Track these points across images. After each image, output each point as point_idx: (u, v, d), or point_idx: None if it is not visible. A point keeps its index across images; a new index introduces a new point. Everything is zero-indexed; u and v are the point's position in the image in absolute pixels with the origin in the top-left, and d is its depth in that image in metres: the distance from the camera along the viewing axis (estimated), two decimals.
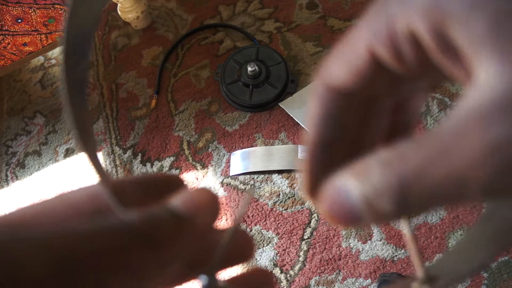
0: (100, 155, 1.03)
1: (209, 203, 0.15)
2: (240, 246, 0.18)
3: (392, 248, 0.81)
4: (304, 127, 0.92)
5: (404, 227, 0.16)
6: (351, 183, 0.13)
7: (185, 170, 0.96)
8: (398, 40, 0.13)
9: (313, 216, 0.86)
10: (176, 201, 0.15)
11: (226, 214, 0.90)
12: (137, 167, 0.99)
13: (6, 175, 1.06)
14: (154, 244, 0.13)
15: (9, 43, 0.94)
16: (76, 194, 0.16)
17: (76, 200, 0.16)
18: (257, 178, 0.91)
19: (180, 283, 0.17)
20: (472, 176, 0.11)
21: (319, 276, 0.82)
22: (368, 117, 0.17)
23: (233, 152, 0.95)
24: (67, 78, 0.14)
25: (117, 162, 1.00)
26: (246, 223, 0.88)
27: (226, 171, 0.94)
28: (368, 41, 0.14)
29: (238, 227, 0.17)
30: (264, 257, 0.85)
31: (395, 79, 0.15)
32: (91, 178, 1.01)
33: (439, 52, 0.12)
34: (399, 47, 0.13)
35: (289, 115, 0.95)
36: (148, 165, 0.98)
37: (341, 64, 0.15)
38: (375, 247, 0.82)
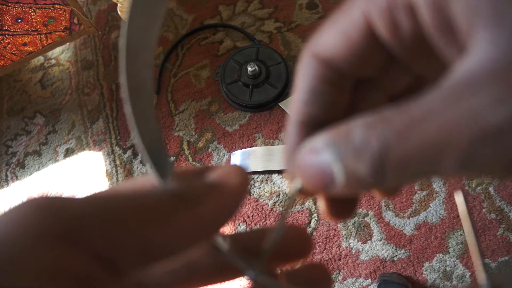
0: (100, 155, 1.03)
1: (237, 172, 0.16)
2: (296, 243, 0.18)
3: (392, 248, 0.81)
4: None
5: (467, 237, 0.16)
6: (329, 145, 0.13)
7: None
8: (397, 11, 0.13)
9: (313, 216, 0.86)
10: (209, 175, 0.16)
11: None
12: (137, 167, 0.99)
13: (6, 175, 1.06)
14: (190, 203, 0.14)
15: (9, 43, 0.94)
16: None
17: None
18: (257, 178, 0.91)
19: (228, 278, 0.18)
20: (452, 143, 0.11)
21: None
22: (358, 104, 0.17)
23: (233, 152, 0.95)
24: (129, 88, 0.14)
25: (117, 162, 1.00)
26: (246, 223, 0.88)
27: None
28: (366, 9, 0.13)
29: (285, 224, 0.17)
30: None
31: (387, 63, 0.15)
32: (90, 178, 1.01)
33: (435, 26, 0.12)
34: (396, 18, 0.13)
35: (289, 115, 0.95)
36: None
37: (334, 32, 0.15)
38: (375, 247, 0.82)
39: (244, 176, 0.16)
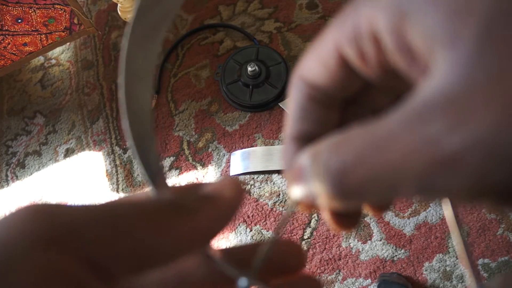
0: (100, 155, 1.03)
1: (232, 185, 0.17)
2: (289, 258, 0.19)
3: (392, 248, 0.81)
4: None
5: (457, 246, 0.16)
6: (307, 162, 0.14)
7: (185, 170, 0.96)
8: (362, 40, 0.13)
9: (313, 216, 0.86)
10: (204, 187, 0.17)
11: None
12: (137, 167, 0.99)
13: (6, 175, 1.06)
14: (186, 212, 0.15)
15: (9, 43, 0.94)
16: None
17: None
18: (257, 178, 0.91)
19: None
20: (409, 168, 0.11)
21: (319, 276, 0.82)
22: (348, 117, 0.17)
23: (233, 152, 0.95)
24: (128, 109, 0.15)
25: (117, 162, 1.01)
26: (246, 223, 0.88)
27: (226, 171, 0.94)
28: (337, 39, 0.14)
29: (279, 237, 0.17)
30: None
31: (366, 84, 0.15)
32: (90, 178, 1.01)
33: (397, 51, 0.12)
34: (362, 46, 0.13)
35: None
36: None
37: (314, 59, 0.15)
38: (375, 247, 0.82)
39: (239, 189, 0.17)
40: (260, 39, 1.05)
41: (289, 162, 0.17)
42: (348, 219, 0.18)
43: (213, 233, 0.16)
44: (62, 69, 1.16)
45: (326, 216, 0.18)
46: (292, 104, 0.17)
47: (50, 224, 0.12)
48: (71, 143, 1.06)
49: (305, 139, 0.17)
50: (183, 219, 0.15)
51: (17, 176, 1.05)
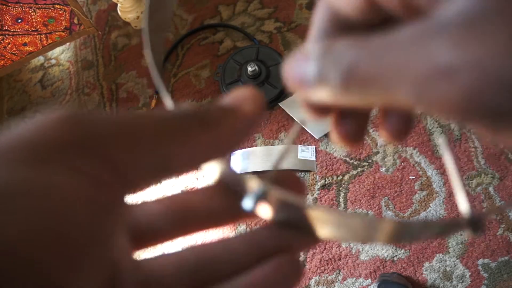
0: None
1: (251, 95, 0.17)
2: (289, 185, 0.19)
3: (392, 248, 0.81)
4: (304, 127, 0.92)
5: (449, 171, 0.17)
6: (315, 52, 0.14)
7: None
8: None
9: None
10: (224, 100, 0.17)
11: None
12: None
13: None
14: (207, 123, 0.16)
15: (9, 43, 0.94)
16: None
17: None
18: None
19: (226, 222, 0.19)
20: (410, 73, 0.12)
21: (319, 276, 0.82)
22: None
23: (233, 152, 0.95)
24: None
25: None
26: (247, 223, 0.89)
27: None
28: None
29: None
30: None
31: (385, 18, 0.16)
32: None
33: None
34: None
35: (289, 115, 0.95)
36: None
37: None
38: (375, 247, 0.82)
39: (259, 101, 0.17)
40: (260, 39, 1.05)
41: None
42: (353, 129, 0.19)
43: (233, 146, 0.16)
44: (62, 69, 1.16)
45: (331, 125, 0.19)
46: (314, 26, 0.18)
47: (76, 126, 0.13)
48: None
49: None
50: (204, 131, 0.15)
51: None
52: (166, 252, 0.18)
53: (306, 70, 0.15)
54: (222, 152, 0.16)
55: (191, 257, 0.18)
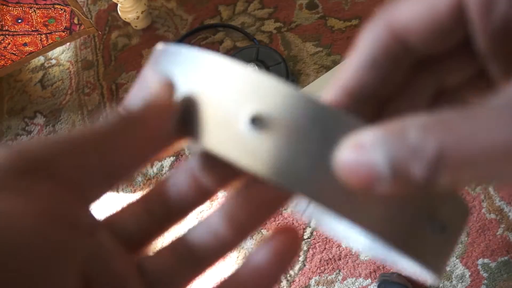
0: None
1: (162, 81, 0.17)
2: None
3: None
4: None
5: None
6: (380, 142, 0.12)
7: None
8: None
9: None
10: (142, 92, 0.17)
11: None
12: None
13: None
14: (135, 121, 0.16)
15: (9, 43, 0.94)
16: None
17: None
18: None
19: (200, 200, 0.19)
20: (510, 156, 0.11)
21: (319, 276, 0.82)
22: (405, 86, 0.16)
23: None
24: None
25: None
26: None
27: None
28: None
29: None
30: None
31: (460, 45, 0.14)
32: None
33: None
34: None
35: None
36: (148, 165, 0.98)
37: (419, 3, 0.14)
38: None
39: (165, 84, 0.17)
40: (260, 39, 1.05)
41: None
42: None
43: (161, 135, 0.16)
44: (62, 69, 1.16)
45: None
46: (361, 51, 0.15)
47: (18, 155, 0.13)
48: None
49: (360, 96, 0.16)
50: (132, 128, 0.15)
51: None
52: (159, 248, 0.19)
53: (373, 161, 0.12)
54: (155, 144, 0.17)
55: (182, 248, 0.18)
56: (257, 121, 0.16)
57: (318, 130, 0.15)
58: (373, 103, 0.16)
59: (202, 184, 0.19)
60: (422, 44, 0.14)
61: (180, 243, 0.18)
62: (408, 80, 0.16)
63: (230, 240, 0.18)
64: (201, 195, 0.19)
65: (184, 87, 0.17)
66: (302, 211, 0.22)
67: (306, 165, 0.15)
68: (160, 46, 0.20)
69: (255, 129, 0.16)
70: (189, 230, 0.19)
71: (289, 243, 0.18)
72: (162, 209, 0.19)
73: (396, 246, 0.15)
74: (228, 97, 0.17)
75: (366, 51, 0.15)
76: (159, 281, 0.17)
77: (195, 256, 0.18)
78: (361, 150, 0.13)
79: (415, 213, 0.16)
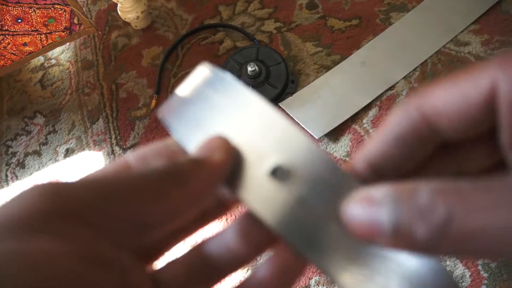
0: (100, 155, 1.03)
1: (221, 145, 0.17)
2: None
3: None
4: (304, 127, 0.92)
5: None
6: (390, 199, 0.12)
7: None
8: None
9: None
10: (195, 152, 0.18)
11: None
12: None
13: (6, 175, 1.06)
14: (180, 179, 0.16)
15: (9, 43, 0.94)
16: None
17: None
18: None
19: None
20: None
21: (319, 276, 0.82)
22: (432, 166, 0.17)
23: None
24: None
25: None
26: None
27: None
28: (495, 77, 0.13)
29: None
30: (264, 257, 0.85)
31: (487, 134, 0.14)
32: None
33: None
34: None
35: (289, 115, 0.95)
36: None
37: (452, 92, 0.14)
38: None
39: (228, 150, 0.17)
40: (260, 39, 1.05)
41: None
42: None
43: (204, 197, 0.17)
44: (62, 69, 1.16)
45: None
46: (389, 128, 0.16)
47: (59, 199, 0.14)
48: (71, 143, 1.06)
49: (381, 168, 0.16)
50: (177, 186, 0.16)
51: (17, 176, 1.05)
52: (172, 258, 0.19)
53: (378, 217, 0.13)
54: (196, 203, 0.17)
55: (196, 259, 0.19)
56: (278, 172, 0.17)
57: (329, 193, 0.16)
58: (391, 177, 0.16)
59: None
60: (450, 130, 0.15)
61: (194, 255, 0.19)
62: (429, 159, 0.16)
63: (244, 255, 0.19)
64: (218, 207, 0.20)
65: (224, 123, 0.18)
66: None
67: (312, 225, 0.16)
68: (204, 67, 0.20)
69: (275, 179, 0.17)
70: (203, 243, 0.19)
71: (294, 259, 0.19)
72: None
73: None
74: (261, 142, 0.17)
75: (395, 127, 0.16)
76: None
77: (208, 268, 0.18)
78: (369, 204, 0.13)
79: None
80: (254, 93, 0.18)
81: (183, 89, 0.21)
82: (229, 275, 0.19)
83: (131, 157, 0.19)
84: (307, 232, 0.16)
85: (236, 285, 0.18)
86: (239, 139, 0.18)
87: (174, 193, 0.16)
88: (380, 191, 0.13)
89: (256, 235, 0.19)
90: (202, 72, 0.20)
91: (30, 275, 0.11)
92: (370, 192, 0.13)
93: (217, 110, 0.19)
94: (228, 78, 0.19)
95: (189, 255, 0.19)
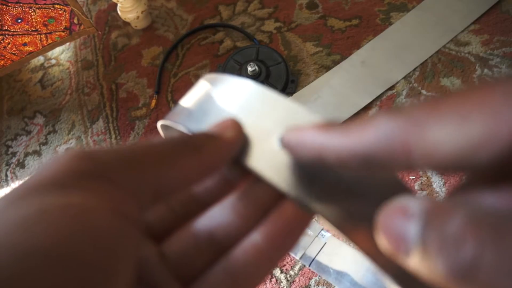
0: None
1: (232, 124, 0.19)
2: None
3: None
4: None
5: None
6: (422, 215, 0.11)
7: None
8: None
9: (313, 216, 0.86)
10: (208, 129, 0.20)
11: None
12: None
13: (6, 175, 1.06)
14: (193, 149, 0.18)
15: (9, 43, 0.94)
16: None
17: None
18: None
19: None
20: None
21: (319, 276, 0.82)
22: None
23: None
24: None
25: None
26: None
27: None
28: None
29: None
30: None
31: None
32: None
33: None
34: None
35: None
36: None
37: (461, 134, 0.12)
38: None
39: (239, 129, 0.19)
40: (260, 39, 1.05)
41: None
42: None
43: (217, 167, 0.19)
44: (62, 69, 1.16)
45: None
46: (358, 143, 0.15)
47: (90, 162, 0.15)
48: (71, 143, 1.06)
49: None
50: (191, 154, 0.17)
51: (17, 176, 1.05)
52: (181, 231, 0.21)
53: (406, 229, 0.11)
54: (207, 173, 0.19)
55: (204, 229, 0.20)
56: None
57: None
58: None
59: (226, 177, 0.21)
60: (446, 168, 0.13)
61: (199, 230, 0.20)
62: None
63: (245, 226, 0.20)
64: (226, 187, 0.21)
65: (230, 111, 0.21)
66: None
67: (320, 185, 0.18)
68: (209, 76, 0.23)
69: (282, 149, 0.19)
70: (205, 216, 0.20)
71: (299, 214, 0.20)
72: (185, 204, 0.21)
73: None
74: (266, 121, 0.20)
75: (366, 145, 0.15)
76: (181, 264, 0.19)
77: (214, 241, 0.19)
78: (402, 215, 0.12)
79: None
80: (254, 82, 0.21)
81: (187, 97, 0.24)
82: (235, 244, 0.20)
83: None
84: (316, 188, 0.18)
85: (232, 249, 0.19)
86: (246, 122, 0.20)
87: (187, 159, 0.17)
88: (416, 204, 0.12)
89: (252, 203, 0.20)
90: (204, 83, 0.23)
91: (68, 225, 0.13)
92: (406, 202, 0.12)
93: (222, 102, 0.21)
94: (229, 76, 0.21)
95: (194, 230, 0.20)
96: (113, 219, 0.14)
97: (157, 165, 0.16)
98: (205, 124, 0.20)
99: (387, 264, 0.15)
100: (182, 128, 0.22)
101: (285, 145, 0.18)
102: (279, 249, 0.19)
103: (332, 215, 0.17)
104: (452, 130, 0.11)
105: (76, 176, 0.14)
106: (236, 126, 0.19)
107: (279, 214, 0.19)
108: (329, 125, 0.15)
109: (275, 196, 0.20)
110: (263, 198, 0.20)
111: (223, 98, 0.21)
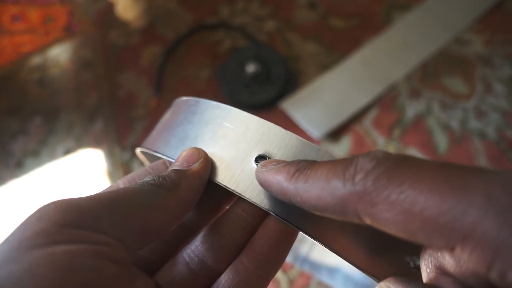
0: (100, 155, 1.03)
1: (196, 153, 0.20)
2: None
3: None
4: (304, 127, 0.91)
5: None
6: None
7: None
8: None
9: None
10: (174, 164, 0.21)
11: None
12: (137, 168, 0.98)
13: (6, 175, 1.05)
14: (169, 188, 0.18)
15: (7, 43, 0.93)
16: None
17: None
18: None
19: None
20: None
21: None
22: None
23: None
24: None
25: (117, 162, 1.00)
26: None
27: None
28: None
29: None
30: None
31: None
32: (90, 178, 1.00)
33: None
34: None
35: (289, 115, 0.94)
36: None
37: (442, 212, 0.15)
38: None
39: (204, 157, 0.20)
40: (260, 39, 1.05)
41: None
42: None
43: (193, 200, 0.20)
44: (61, 69, 1.16)
45: None
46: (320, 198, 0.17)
47: (70, 214, 0.15)
48: (70, 143, 1.05)
49: None
50: (169, 195, 0.18)
51: (16, 176, 1.05)
52: (173, 260, 0.21)
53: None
54: (187, 208, 0.19)
55: (195, 255, 0.20)
56: (261, 159, 0.20)
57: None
58: None
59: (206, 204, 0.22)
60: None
61: (189, 255, 0.20)
62: None
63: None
64: (212, 211, 0.22)
65: (204, 136, 0.21)
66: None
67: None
68: (183, 99, 0.24)
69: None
70: (195, 242, 0.21)
71: (276, 240, 0.21)
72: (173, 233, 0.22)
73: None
74: (242, 143, 0.21)
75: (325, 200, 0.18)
76: None
77: (203, 270, 0.20)
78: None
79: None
80: (227, 105, 0.21)
81: (163, 122, 0.24)
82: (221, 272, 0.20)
83: (121, 182, 0.22)
84: (295, 207, 0.18)
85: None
86: (222, 145, 0.20)
87: (167, 201, 0.18)
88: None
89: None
90: (179, 106, 0.24)
91: (57, 276, 0.13)
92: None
93: (195, 127, 0.22)
94: (201, 99, 0.22)
95: (186, 257, 0.20)
96: (102, 265, 0.15)
97: (140, 209, 0.17)
98: (181, 150, 0.21)
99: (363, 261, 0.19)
100: (160, 155, 0.23)
101: (257, 180, 0.19)
102: (268, 266, 0.20)
103: (312, 230, 0.18)
104: (397, 219, 0.14)
105: (61, 229, 0.15)
106: (200, 154, 0.20)
107: (263, 232, 0.20)
108: (295, 170, 0.16)
109: (260, 214, 0.20)
110: (247, 218, 0.20)
111: (197, 123, 0.22)
